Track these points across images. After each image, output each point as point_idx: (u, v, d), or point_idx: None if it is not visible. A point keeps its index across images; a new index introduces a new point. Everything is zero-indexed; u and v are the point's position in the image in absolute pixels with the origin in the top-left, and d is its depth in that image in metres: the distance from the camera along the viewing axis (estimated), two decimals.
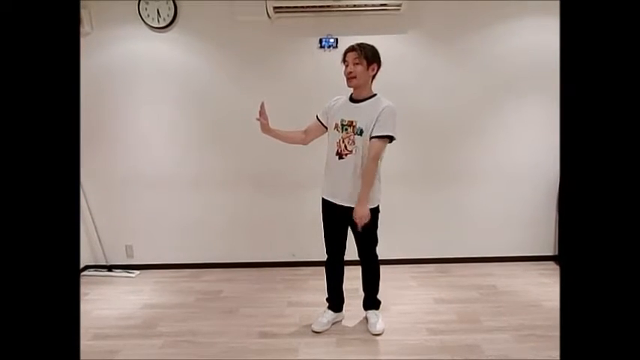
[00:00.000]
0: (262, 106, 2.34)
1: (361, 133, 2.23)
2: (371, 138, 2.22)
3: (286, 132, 2.48)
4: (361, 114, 2.25)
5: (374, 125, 2.20)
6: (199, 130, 3.45)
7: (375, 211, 2.40)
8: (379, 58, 2.26)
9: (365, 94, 2.28)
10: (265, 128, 2.38)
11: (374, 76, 2.29)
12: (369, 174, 2.24)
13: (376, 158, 2.23)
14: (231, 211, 3.56)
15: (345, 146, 2.28)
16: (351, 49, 2.23)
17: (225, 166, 3.50)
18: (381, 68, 2.28)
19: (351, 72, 2.22)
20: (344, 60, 2.25)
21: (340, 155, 2.31)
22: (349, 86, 2.28)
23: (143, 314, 2.84)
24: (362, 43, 2.23)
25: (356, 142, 2.25)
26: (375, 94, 2.30)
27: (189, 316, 2.79)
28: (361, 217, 2.25)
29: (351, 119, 2.27)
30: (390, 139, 2.24)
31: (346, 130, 2.28)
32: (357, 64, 2.20)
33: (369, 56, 2.20)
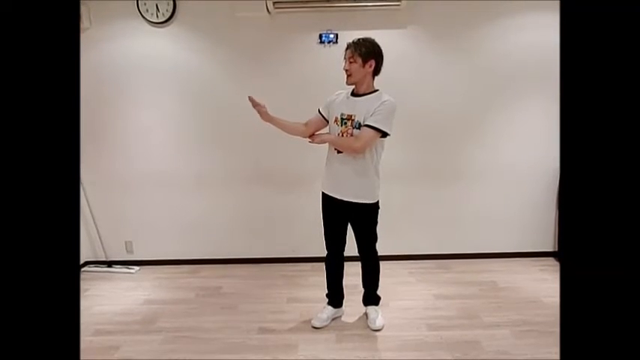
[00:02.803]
0: (251, 99, 2.27)
1: (359, 127, 2.23)
2: (363, 125, 2.21)
3: (288, 122, 2.43)
4: (360, 108, 2.24)
5: (370, 116, 2.20)
6: (199, 126, 3.44)
7: (375, 207, 2.40)
8: (377, 53, 2.23)
9: (364, 90, 2.28)
10: (265, 116, 2.32)
11: (376, 72, 2.27)
12: (347, 148, 2.26)
13: (364, 145, 2.21)
14: (231, 207, 3.56)
15: None
16: (347, 46, 2.24)
17: (225, 161, 3.49)
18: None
19: (347, 70, 2.24)
20: (344, 57, 2.26)
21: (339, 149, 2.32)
22: (346, 83, 2.29)
23: (143, 310, 2.85)
24: (360, 40, 2.22)
25: (354, 136, 2.25)
26: (377, 90, 2.29)
27: (189, 312, 2.79)
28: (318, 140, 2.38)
29: (350, 113, 2.27)
30: (383, 134, 2.23)
31: (345, 124, 2.28)
32: (352, 62, 2.21)
33: (363, 53, 2.19)
